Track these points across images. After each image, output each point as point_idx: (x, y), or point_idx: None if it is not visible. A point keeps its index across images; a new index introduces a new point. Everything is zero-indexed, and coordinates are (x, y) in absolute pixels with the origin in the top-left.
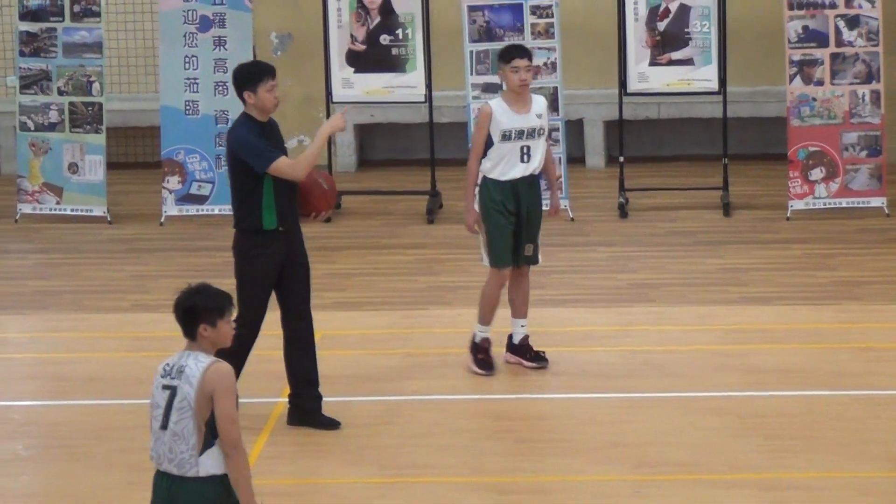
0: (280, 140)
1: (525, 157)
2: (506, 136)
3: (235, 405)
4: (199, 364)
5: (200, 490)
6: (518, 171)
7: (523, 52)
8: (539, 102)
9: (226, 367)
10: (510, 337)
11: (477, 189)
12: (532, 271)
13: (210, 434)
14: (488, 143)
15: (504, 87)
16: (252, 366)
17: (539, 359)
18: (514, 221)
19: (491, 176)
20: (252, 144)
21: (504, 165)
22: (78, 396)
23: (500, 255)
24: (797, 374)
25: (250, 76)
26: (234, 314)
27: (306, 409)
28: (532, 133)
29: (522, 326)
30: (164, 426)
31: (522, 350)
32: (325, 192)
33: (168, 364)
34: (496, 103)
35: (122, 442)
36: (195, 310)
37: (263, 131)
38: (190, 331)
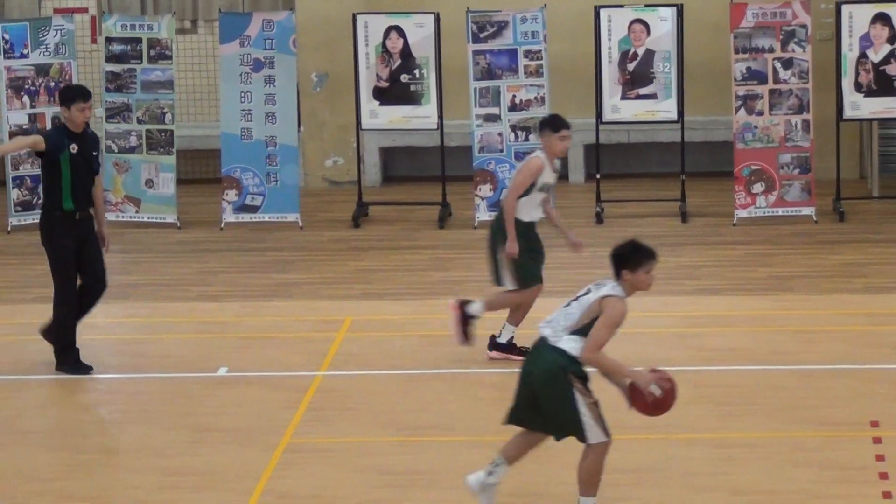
0: (92, 149)
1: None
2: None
3: (608, 335)
4: (606, 288)
5: (551, 354)
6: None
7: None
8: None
9: (619, 302)
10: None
11: None
12: None
13: (583, 330)
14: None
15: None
16: (296, 345)
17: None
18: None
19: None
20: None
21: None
22: (153, 370)
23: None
24: (742, 351)
25: (69, 97)
26: (653, 268)
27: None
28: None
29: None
30: (568, 305)
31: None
32: None
33: (601, 281)
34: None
35: (189, 407)
36: (620, 257)
37: (73, 141)
38: (616, 272)
